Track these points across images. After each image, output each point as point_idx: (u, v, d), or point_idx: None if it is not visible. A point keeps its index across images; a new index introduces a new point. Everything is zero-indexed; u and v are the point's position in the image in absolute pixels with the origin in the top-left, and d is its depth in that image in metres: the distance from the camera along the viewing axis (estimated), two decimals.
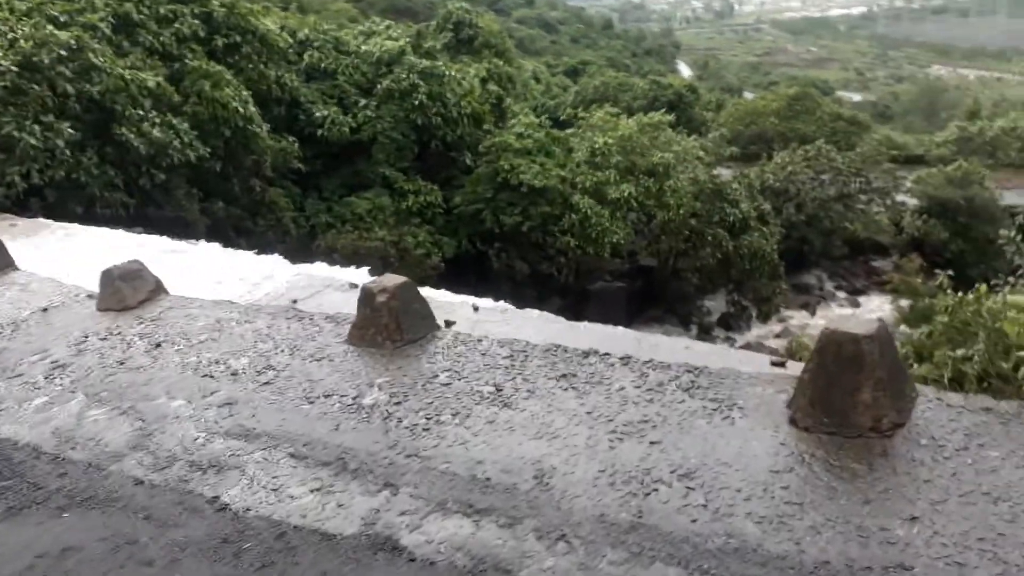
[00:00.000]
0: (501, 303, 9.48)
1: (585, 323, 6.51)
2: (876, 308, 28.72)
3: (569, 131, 26.00)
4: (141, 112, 15.38)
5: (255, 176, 18.86)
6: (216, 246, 12.40)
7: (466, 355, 3.51)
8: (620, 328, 7.34)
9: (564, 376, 3.20)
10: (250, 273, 9.64)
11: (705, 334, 25.72)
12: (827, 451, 2.48)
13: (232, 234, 18.39)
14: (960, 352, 5.66)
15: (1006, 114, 49.76)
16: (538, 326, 5.84)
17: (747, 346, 24.77)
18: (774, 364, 4.11)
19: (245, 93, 18.36)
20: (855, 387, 2.49)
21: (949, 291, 8.79)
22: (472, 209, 22.04)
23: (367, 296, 3.74)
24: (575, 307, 23.92)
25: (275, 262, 10.91)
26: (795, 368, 4.09)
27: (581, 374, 3.20)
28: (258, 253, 12.94)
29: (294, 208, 20.30)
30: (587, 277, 23.83)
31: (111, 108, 14.81)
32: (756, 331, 26.45)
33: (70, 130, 13.65)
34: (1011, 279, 9.96)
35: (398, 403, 3.15)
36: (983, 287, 6.46)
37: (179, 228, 15.99)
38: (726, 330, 26.37)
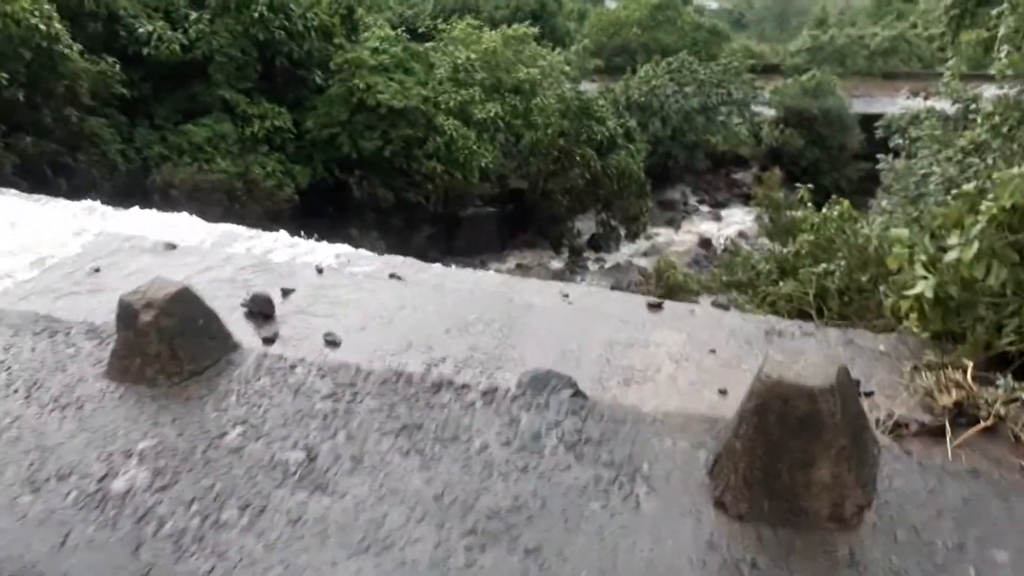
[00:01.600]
0: (355, 250, 8.44)
1: (454, 271, 5.68)
2: (738, 221, 29.46)
3: (429, 45, 24.37)
4: None
5: (70, 104, 16.46)
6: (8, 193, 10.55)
7: (270, 394, 2.55)
8: (490, 276, 6.54)
9: (404, 429, 2.31)
10: (44, 230, 8.11)
11: (576, 256, 25.49)
12: (773, 558, 1.73)
13: (48, 173, 16.13)
14: (823, 267, 5.37)
15: (852, 22, 51.47)
16: (395, 292, 4.86)
17: (617, 267, 24.76)
18: (651, 307, 3.76)
19: (47, 7, 15.79)
20: (808, 461, 1.75)
21: (810, 205, 8.58)
22: (326, 134, 20.30)
23: (127, 313, 2.68)
24: (446, 234, 22.99)
25: (79, 212, 9.31)
26: (702, 396, 3.37)
27: (428, 424, 2.32)
28: (76, 195, 11.20)
29: (121, 140, 17.96)
30: (457, 203, 22.78)
31: None
32: (625, 250, 26.46)
33: None
34: (884, 203, 9.93)
35: (163, 488, 2.18)
36: (846, 202, 6.18)
37: None
38: (596, 251, 26.21)
